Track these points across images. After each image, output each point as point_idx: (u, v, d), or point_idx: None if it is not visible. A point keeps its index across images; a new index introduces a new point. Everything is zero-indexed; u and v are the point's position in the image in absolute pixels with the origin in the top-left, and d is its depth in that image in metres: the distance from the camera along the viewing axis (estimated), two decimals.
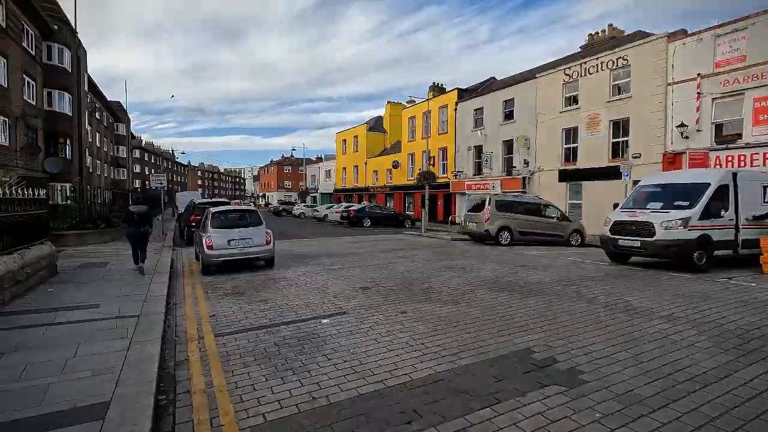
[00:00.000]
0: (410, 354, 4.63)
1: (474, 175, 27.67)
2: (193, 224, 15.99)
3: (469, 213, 16.53)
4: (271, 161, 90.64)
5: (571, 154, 21.56)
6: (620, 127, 19.26)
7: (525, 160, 23.53)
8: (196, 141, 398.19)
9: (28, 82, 22.39)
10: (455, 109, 29.32)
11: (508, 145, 25.17)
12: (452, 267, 10.55)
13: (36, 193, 8.22)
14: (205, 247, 9.54)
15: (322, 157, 74.08)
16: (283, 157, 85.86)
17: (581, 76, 20.75)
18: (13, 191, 7.14)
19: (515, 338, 5.14)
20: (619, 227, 10.45)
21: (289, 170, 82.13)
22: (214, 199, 21.34)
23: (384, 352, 4.72)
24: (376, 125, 44.25)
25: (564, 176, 21.63)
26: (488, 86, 30.11)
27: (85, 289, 7.63)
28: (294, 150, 68.15)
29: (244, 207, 11.20)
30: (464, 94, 29.73)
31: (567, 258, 12.31)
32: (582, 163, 20.74)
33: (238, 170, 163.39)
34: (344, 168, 47.16)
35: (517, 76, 27.08)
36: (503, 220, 15.38)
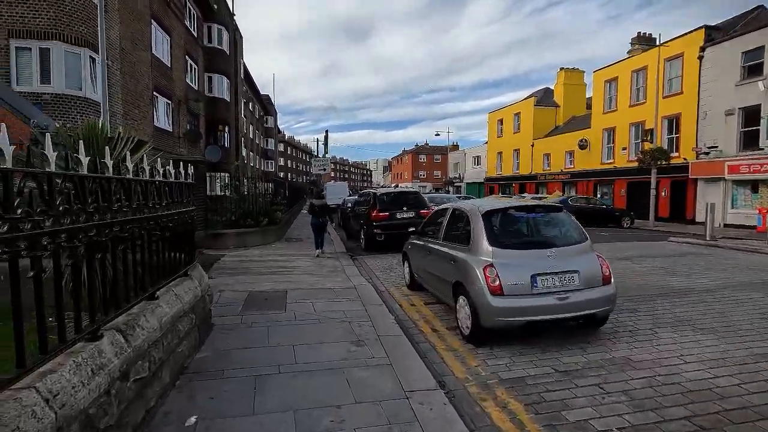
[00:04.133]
0: None
1: (740, 151, 18.47)
2: (375, 224, 11.45)
3: None
4: (404, 150, 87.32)
5: None
6: None
7: None
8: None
9: (190, 65, 20.87)
10: (700, 57, 20.21)
11: None
12: None
13: (185, 173, 3.91)
14: (486, 291, 4.27)
15: (458, 144, 68.03)
16: (417, 145, 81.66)
17: None
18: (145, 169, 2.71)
19: None
20: None
21: (423, 159, 77.38)
22: (400, 188, 16.65)
23: None
24: (543, 99, 36.11)
25: None
26: (753, 20, 20.21)
27: (274, 409, 2.84)
28: (438, 134, 63.64)
29: (538, 202, 5.68)
30: (714, 33, 20.34)
31: None
32: None
33: (364, 162, 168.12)
34: (500, 153, 40.01)
35: None
36: None
